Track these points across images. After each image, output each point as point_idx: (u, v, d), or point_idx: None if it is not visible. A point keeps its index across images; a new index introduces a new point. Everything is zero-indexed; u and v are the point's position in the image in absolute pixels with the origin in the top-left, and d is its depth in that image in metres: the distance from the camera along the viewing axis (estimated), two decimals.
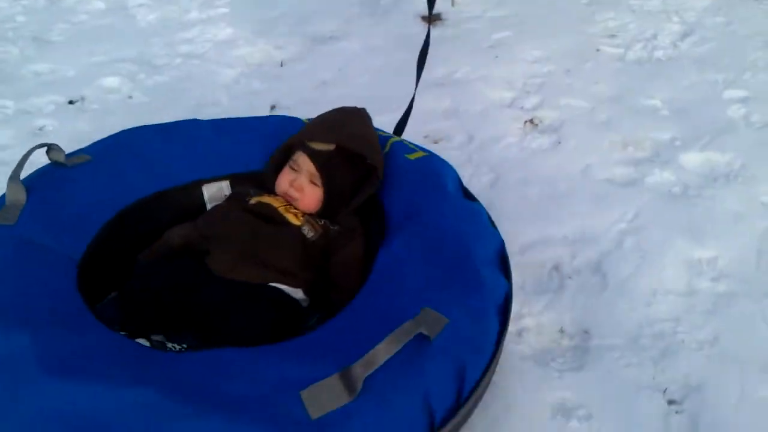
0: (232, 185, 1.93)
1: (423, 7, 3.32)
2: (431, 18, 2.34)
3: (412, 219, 1.68)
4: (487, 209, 2.23)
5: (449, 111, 2.71)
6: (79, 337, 1.26)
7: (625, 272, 1.97)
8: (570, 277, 1.99)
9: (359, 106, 2.76)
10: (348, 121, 1.92)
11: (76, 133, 2.65)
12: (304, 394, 1.15)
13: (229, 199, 1.88)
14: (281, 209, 1.77)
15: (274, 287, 1.64)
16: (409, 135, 2.60)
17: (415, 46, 3.10)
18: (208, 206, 1.91)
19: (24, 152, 2.24)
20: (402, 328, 1.25)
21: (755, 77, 2.74)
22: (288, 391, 1.16)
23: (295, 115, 2.73)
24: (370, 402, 1.17)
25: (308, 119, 2.06)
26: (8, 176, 1.64)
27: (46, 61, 3.07)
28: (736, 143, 2.42)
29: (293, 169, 1.84)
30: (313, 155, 1.81)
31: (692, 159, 2.38)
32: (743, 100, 2.62)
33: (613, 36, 3.07)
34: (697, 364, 1.72)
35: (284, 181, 1.83)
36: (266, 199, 1.81)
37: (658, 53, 2.94)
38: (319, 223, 1.78)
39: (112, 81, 2.93)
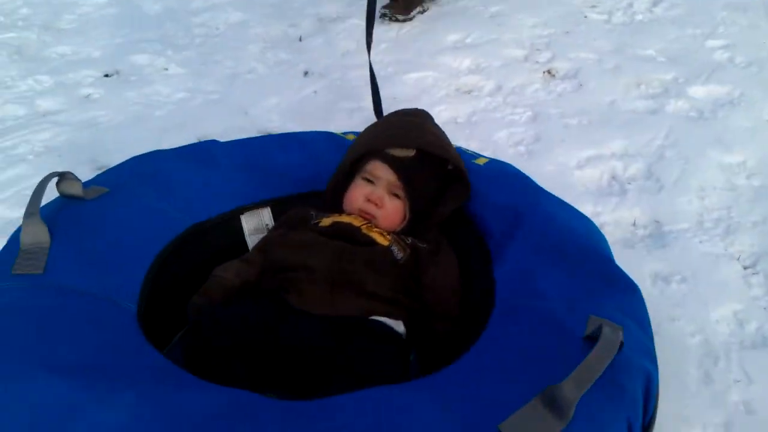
0: (273, 213, 1.71)
1: None
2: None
3: (518, 225, 1.50)
4: (537, 138, 2.50)
5: (472, 68, 2.96)
6: (188, 395, 1.03)
7: (674, 176, 2.27)
8: (629, 183, 2.26)
9: (390, 69, 2.98)
10: (423, 124, 1.73)
11: (124, 101, 2.74)
12: (506, 426, 0.95)
13: (286, 224, 1.61)
14: (364, 228, 1.53)
15: (377, 320, 1.38)
16: (440, 89, 2.84)
17: (419, 21, 3.37)
18: (249, 239, 1.67)
19: (78, 118, 2.31)
20: (604, 339, 1.06)
21: (728, 30, 3.13)
22: (484, 426, 0.97)
23: (331, 79, 2.93)
24: (582, 429, 0.98)
25: (342, 133, 1.90)
26: (23, 213, 1.38)
27: (67, 45, 3.13)
28: (729, 78, 2.78)
29: (368, 180, 1.61)
30: (393, 162, 1.59)
31: (698, 91, 2.72)
32: (724, 47, 3.00)
33: (594, 6, 3.41)
34: (757, 238, 2.02)
35: (358, 195, 1.60)
36: (343, 218, 1.56)
37: (638, 17, 3.31)
38: (407, 241, 1.55)
39: (141, 58, 3.02)
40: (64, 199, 1.49)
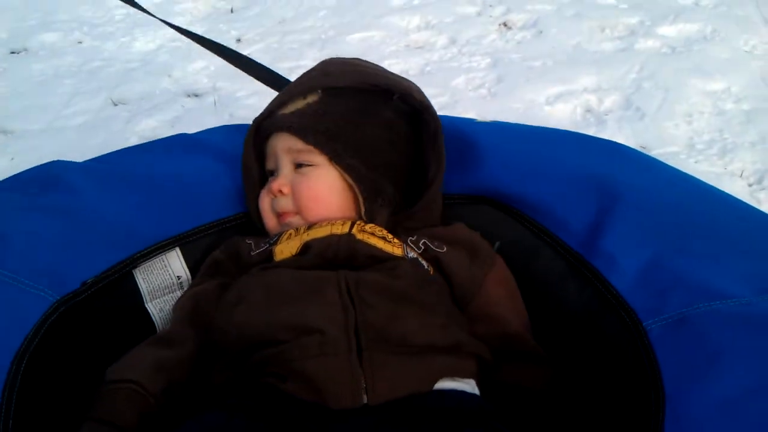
0: (186, 256, 1.05)
1: None
2: None
3: (612, 206, 0.96)
4: (499, 80, 2.25)
5: (421, 25, 2.71)
6: None
7: (656, 104, 2.03)
8: (606, 114, 2.02)
9: (331, 32, 2.72)
10: (331, 61, 1.15)
11: (30, 72, 2.43)
12: None
13: (220, 269, 1.01)
14: (357, 232, 0.96)
15: (447, 390, 0.82)
16: (388, 47, 2.58)
17: None
18: (152, 307, 1.02)
19: None
20: None
21: None
22: None
23: (267, 43, 2.64)
24: None
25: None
26: None
27: None
28: (698, 18, 2.57)
29: (272, 172, 1.07)
30: (288, 123, 1.03)
31: (667, 30, 2.50)
32: None
33: None
34: (759, 155, 1.79)
35: (264, 196, 1.05)
36: (315, 232, 0.97)
37: None
38: (421, 248, 0.99)
39: (53, 35, 2.70)
40: None
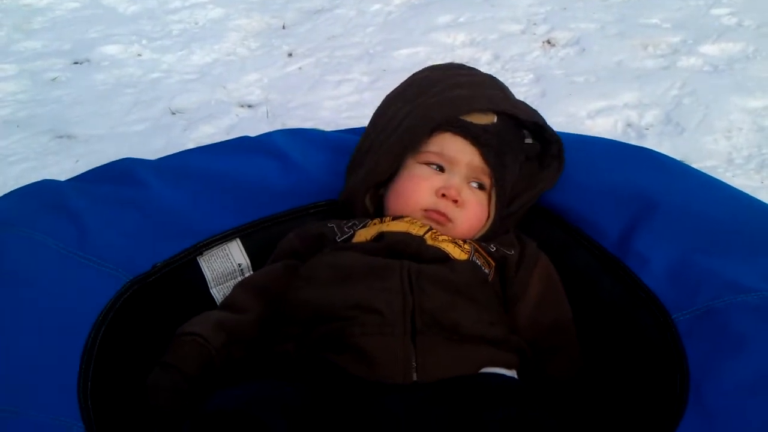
0: (246, 246, 1.14)
1: None
2: None
3: (647, 215, 1.05)
4: (542, 94, 2.31)
5: (466, 42, 2.79)
6: None
7: (696, 120, 2.07)
8: (647, 129, 2.06)
9: (378, 47, 2.80)
10: (492, 80, 1.23)
11: (92, 81, 2.57)
12: None
13: (291, 252, 1.07)
14: (429, 238, 1.02)
15: (493, 374, 0.89)
16: (434, 62, 2.64)
17: (407, 7, 3.21)
18: (216, 292, 1.12)
19: (42, 97, 2.05)
20: None
21: (733, 0, 2.97)
22: None
23: (317, 57, 2.74)
24: None
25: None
26: None
27: (37, 40, 2.96)
28: (740, 37, 2.60)
29: (435, 166, 1.09)
30: (475, 133, 1.08)
31: (709, 49, 2.53)
32: (731, 13, 2.82)
33: None
34: None
35: (426, 189, 1.07)
36: (392, 225, 1.04)
37: None
38: (491, 249, 1.05)
39: (114, 48, 2.85)
40: None
